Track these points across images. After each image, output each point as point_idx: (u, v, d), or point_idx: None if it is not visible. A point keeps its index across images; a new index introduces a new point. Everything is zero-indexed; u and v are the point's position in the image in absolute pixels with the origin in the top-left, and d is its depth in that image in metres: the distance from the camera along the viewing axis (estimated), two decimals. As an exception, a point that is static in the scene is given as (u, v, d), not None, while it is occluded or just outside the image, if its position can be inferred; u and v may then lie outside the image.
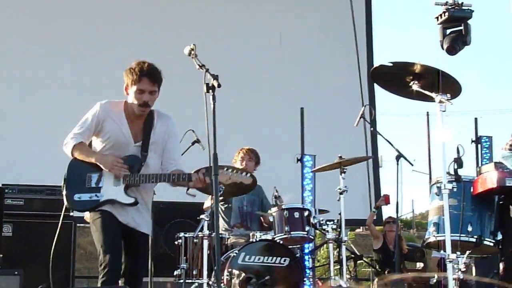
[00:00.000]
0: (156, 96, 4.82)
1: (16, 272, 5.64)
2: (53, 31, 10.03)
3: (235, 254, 6.04)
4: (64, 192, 4.87)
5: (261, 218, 7.19)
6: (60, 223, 5.20)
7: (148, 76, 4.73)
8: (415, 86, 4.85)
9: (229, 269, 5.89)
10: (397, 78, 4.92)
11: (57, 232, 5.27)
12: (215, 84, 4.05)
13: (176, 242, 6.52)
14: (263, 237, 6.36)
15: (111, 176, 4.78)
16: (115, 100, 4.90)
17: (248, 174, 4.72)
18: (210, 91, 4.06)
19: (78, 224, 7.70)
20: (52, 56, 9.86)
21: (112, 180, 4.78)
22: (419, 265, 9.21)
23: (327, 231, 6.51)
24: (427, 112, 27.59)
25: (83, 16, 10.21)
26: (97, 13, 10.30)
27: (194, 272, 6.26)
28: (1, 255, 6.14)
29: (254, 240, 6.28)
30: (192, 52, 4.28)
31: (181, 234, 6.48)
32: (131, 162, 4.79)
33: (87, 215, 4.89)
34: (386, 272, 8.30)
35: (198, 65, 4.22)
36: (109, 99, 4.88)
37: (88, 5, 10.30)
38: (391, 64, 4.81)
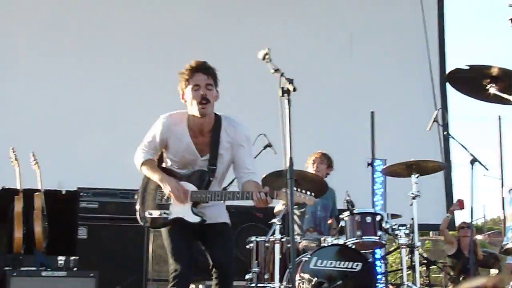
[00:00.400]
0: (214, 92, 4.67)
1: (91, 274, 5.75)
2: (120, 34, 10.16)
3: (307, 259, 6.03)
4: (137, 207, 4.84)
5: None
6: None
7: (200, 69, 4.63)
8: (492, 89, 4.74)
9: (301, 274, 5.87)
10: (474, 81, 4.82)
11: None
12: (291, 88, 4.01)
13: (247, 246, 6.53)
14: (335, 242, 6.32)
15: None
16: (178, 111, 4.76)
17: (312, 195, 4.61)
18: (285, 95, 4.02)
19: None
20: (125, 62, 9.99)
21: None
22: (494, 271, 9.04)
23: (400, 236, 6.43)
24: (499, 116, 26.97)
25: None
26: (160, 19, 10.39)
27: (266, 276, 6.26)
28: (77, 257, 6.24)
29: (326, 245, 6.25)
30: (267, 56, 4.25)
31: (253, 238, 6.49)
32: (198, 179, 4.71)
33: None
34: (461, 279, 8.17)
35: (273, 69, 4.19)
36: (171, 112, 4.76)
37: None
38: (467, 67, 4.70)
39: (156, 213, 4.72)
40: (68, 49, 9.87)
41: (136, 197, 4.87)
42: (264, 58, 4.27)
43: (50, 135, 9.35)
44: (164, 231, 4.72)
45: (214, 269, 4.67)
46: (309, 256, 6.03)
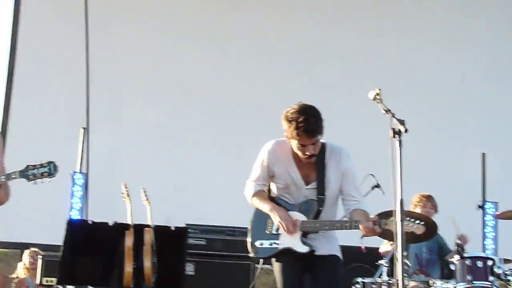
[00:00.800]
0: (319, 142, 4.63)
1: (198, 311, 5.80)
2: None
3: (415, 302, 5.90)
4: (248, 239, 4.85)
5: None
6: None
7: (307, 133, 4.52)
8: None
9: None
10: None
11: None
12: (402, 129, 3.98)
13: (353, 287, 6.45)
14: (444, 286, 6.15)
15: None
16: (283, 139, 4.71)
17: (421, 223, 4.52)
18: (396, 136, 3.99)
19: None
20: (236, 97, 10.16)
21: None
22: None
23: (513, 282, 6.20)
24: None
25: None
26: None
27: (372, 319, 6.16)
28: (184, 293, 6.32)
29: (434, 288, 6.09)
30: (377, 97, 4.23)
31: (359, 279, 6.40)
32: (306, 209, 4.68)
33: None
34: None
35: (384, 109, 4.17)
36: (276, 140, 4.76)
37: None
38: None
39: (266, 243, 4.72)
40: (172, 84, 10.13)
41: (248, 227, 4.88)
42: (375, 99, 4.25)
43: (160, 172, 9.57)
44: (276, 266, 4.71)
45: None
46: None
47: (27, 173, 4.66)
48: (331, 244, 4.76)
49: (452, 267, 6.33)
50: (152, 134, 9.89)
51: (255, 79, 10.22)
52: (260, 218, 4.80)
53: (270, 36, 10.45)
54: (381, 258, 6.13)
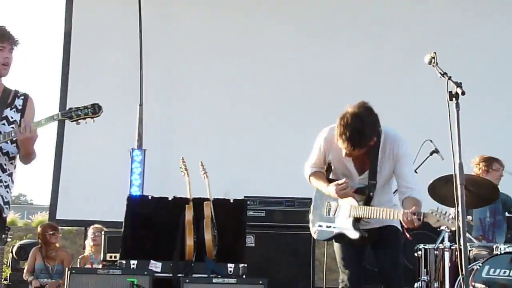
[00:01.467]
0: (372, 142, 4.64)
1: (260, 282, 5.82)
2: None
3: (478, 267, 5.82)
4: (310, 218, 5.01)
5: None
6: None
7: (346, 147, 4.53)
8: None
9: (473, 283, 5.67)
10: None
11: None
12: (459, 91, 3.91)
13: (415, 254, 6.41)
14: (508, 250, 6.05)
15: (346, 207, 4.71)
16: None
17: (453, 219, 4.33)
18: (454, 99, 3.92)
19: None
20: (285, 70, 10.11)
21: (346, 211, 4.71)
22: None
23: None
24: None
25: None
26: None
27: (436, 285, 6.11)
28: (246, 265, 6.35)
29: (498, 253, 6.00)
30: (433, 61, 4.17)
31: (421, 246, 6.36)
32: (359, 195, 4.72)
33: None
34: None
35: (440, 73, 4.10)
36: (331, 127, 4.72)
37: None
38: None
39: (324, 225, 4.83)
40: (232, 60, 10.14)
41: (310, 211, 5.03)
42: (430, 62, 4.19)
43: (217, 145, 9.63)
44: (335, 244, 4.87)
45: (380, 274, 4.75)
46: (480, 264, 5.82)
47: (70, 114, 4.57)
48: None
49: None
50: (208, 107, 9.93)
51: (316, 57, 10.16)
52: (319, 201, 4.94)
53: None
54: (443, 224, 6.04)
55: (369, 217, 4.62)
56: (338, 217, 4.75)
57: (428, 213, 4.36)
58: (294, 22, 10.28)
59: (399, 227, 4.78)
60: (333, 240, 4.87)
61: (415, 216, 4.35)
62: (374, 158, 4.68)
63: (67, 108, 4.63)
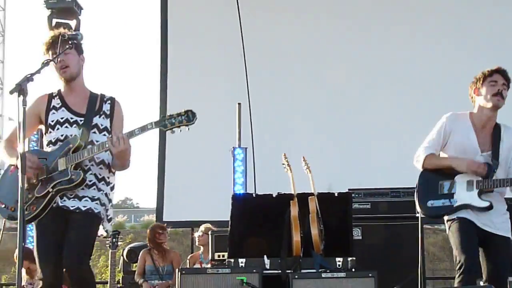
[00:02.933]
0: (506, 92, 4.96)
1: (370, 274, 5.75)
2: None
3: None
4: (416, 200, 5.17)
5: None
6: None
7: (499, 72, 4.95)
8: None
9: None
10: None
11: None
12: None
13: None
14: None
15: (463, 183, 4.90)
16: (460, 112, 5.09)
17: None
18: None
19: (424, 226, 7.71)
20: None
21: (465, 186, 4.88)
22: None
23: None
24: None
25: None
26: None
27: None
28: (354, 258, 6.29)
29: None
30: None
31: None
32: (483, 171, 4.87)
33: None
34: None
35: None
36: (453, 112, 5.08)
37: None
38: None
39: (438, 202, 4.98)
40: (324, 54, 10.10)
41: (416, 189, 5.20)
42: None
43: (319, 140, 9.62)
44: (450, 230, 4.95)
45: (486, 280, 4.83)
46: None
47: (164, 123, 4.58)
48: (504, 222, 4.98)
49: None
50: (308, 103, 9.94)
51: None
52: (430, 180, 5.07)
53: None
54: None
55: (499, 186, 4.86)
56: (457, 192, 4.92)
57: None
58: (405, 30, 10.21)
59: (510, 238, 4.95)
60: (455, 223, 4.92)
61: None
62: (496, 139, 4.96)
63: (160, 116, 4.63)
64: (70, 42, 4.78)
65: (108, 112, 4.95)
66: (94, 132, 4.88)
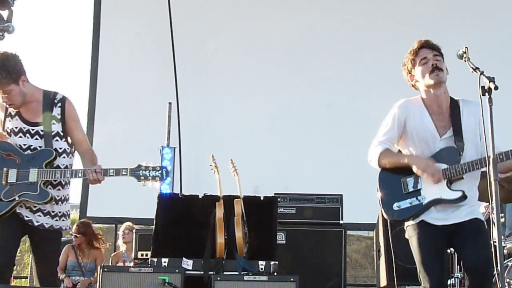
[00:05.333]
0: (443, 64, 4.53)
1: (292, 279, 5.79)
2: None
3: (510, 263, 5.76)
4: (380, 206, 4.65)
5: None
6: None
7: (424, 46, 4.56)
8: None
9: (508, 279, 5.61)
10: None
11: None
12: (492, 86, 3.87)
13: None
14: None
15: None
16: (411, 98, 4.64)
17: None
18: (486, 94, 3.88)
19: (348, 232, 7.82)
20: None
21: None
22: None
23: None
24: None
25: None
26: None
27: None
28: (277, 262, 6.34)
29: (533, 249, 5.93)
30: (465, 56, 4.13)
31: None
32: (447, 155, 4.45)
33: None
34: None
35: (472, 67, 4.06)
36: (405, 98, 4.64)
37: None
38: None
39: (405, 203, 4.52)
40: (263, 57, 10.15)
41: (378, 195, 4.67)
42: (462, 57, 4.15)
43: (247, 142, 9.63)
44: (413, 238, 4.47)
45: (467, 272, 4.32)
46: (513, 260, 5.75)
47: (138, 173, 4.84)
48: (472, 210, 4.46)
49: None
50: (237, 105, 9.95)
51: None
52: (391, 181, 4.61)
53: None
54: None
55: (468, 171, 4.36)
56: (424, 187, 4.47)
57: None
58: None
59: (483, 220, 4.50)
60: (415, 236, 4.44)
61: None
62: (455, 116, 4.52)
63: (136, 165, 4.88)
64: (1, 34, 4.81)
65: (59, 117, 4.98)
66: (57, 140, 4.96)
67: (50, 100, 4.99)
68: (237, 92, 10.05)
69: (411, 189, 4.52)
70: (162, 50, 10.01)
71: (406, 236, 4.56)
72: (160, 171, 4.83)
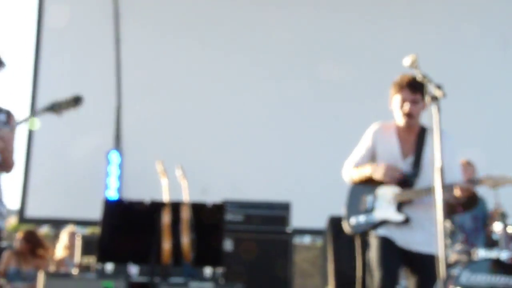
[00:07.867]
0: (420, 106, 4.71)
1: (237, 286, 5.77)
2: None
3: (457, 273, 5.78)
4: (343, 213, 4.94)
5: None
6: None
7: (409, 86, 4.68)
8: None
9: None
10: None
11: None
12: (439, 94, 3.91)
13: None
14: (487, 255, 6.00)
15: (384, 197, 4.72)
16: (386, 122, 4.89)
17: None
18: (434, 101, 3.92)
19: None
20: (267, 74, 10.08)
21: (385, 200, 4.71)
22: None
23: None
24: None
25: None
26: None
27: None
28: (223, 269, 6.30)
29: (476, 258, 5.97)
30: (414, 63, 4.16)
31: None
32: (401, 182, 4.69)
33: None
34: None
35: (421, 75, 4.11)
36: (383, 121, 4.89)
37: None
38: None
39: (361, 219, 4.78)
40: (209, 59, 10.12)
41: (343, 206, 4.95)
42: (411, 65, 4.17)
43: (196, 149, 9.56)
44: (374, 242, 4.69)
45: None
46: (459, 270, 5.78)
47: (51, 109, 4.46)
48: (428, 239, 4.56)
49: (495, 236, 6.23)
50: (185, 109, 9.88)
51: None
52: (355, 196, 4.88)
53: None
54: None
55: (416, 197, 4.63)
56: (377, 207, 4.74)
57: (484, 177, 4.49)
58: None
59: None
60: (377, 242, 4.67)
61: (470, 183, 4.52)
62: (419, 144, 4.74)
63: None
64: None
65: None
66: None
67: None
68: (184, 97, 9.96)
69: (368, 207, 4.78)
70: (108, 51, 9.89)
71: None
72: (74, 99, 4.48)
